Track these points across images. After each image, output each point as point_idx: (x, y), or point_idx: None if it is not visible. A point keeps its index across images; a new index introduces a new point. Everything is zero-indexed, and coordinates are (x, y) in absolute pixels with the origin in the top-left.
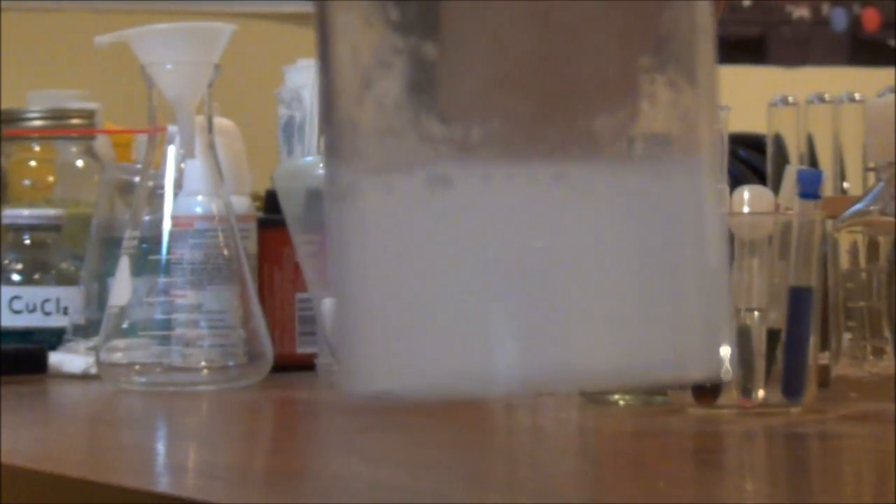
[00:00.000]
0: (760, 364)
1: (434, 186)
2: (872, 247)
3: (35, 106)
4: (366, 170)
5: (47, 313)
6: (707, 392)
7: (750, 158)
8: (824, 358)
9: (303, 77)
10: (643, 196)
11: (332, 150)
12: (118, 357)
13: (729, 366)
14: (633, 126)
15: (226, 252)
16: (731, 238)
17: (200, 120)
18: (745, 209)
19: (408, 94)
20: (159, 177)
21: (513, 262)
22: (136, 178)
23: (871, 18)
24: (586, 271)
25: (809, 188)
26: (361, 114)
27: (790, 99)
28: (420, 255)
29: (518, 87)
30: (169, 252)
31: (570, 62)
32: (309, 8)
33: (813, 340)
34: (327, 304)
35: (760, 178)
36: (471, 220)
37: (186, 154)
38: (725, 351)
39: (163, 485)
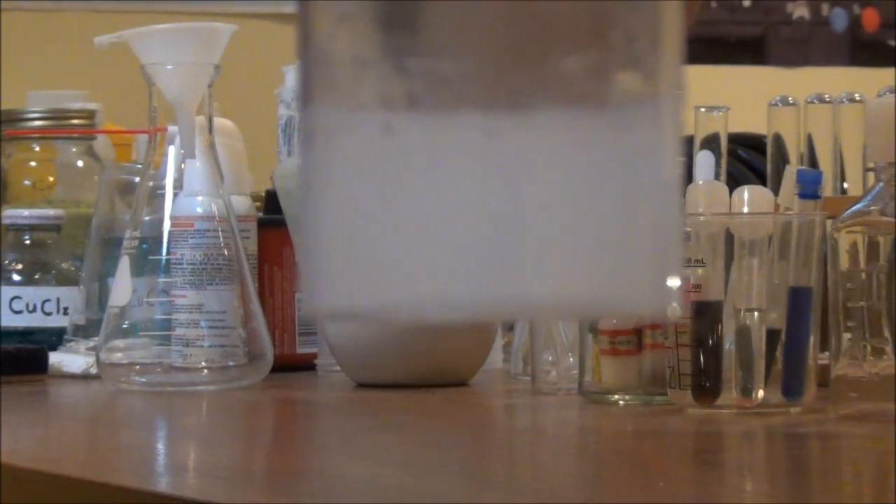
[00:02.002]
0: (760, 364)
1: (399, 124)
2: (872, 247)
3: (35, 106)
4: (336, 107)
5: (47, 313)
6: (707, 392)
7: (750, 158)
8: (824, 358)
9: None
10: (601, 138)
11: (305, 89)
12: (118, 357)
13: (676, 305)
14: (598, 71)
15: (226, 252)
16: (731, 238)
17: (200, 120)
18: (745, 209)
19: (380, 33)
20: (159, 177)
21: (473, 196)
22: (136, 178)
23: (870, 18)
24: (543, 207)
25: (809, 188)
26: (333, 53)
27: (790, 99)
28: (383, 188)
29: (488, 31)
30: (169, 252)
31: (541, 6)
32: None
33: (813, 340)
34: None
35: (760, 178)
36: (433, 156)
37: (186, 154)
38: (673, 290)
39: (163, 485)
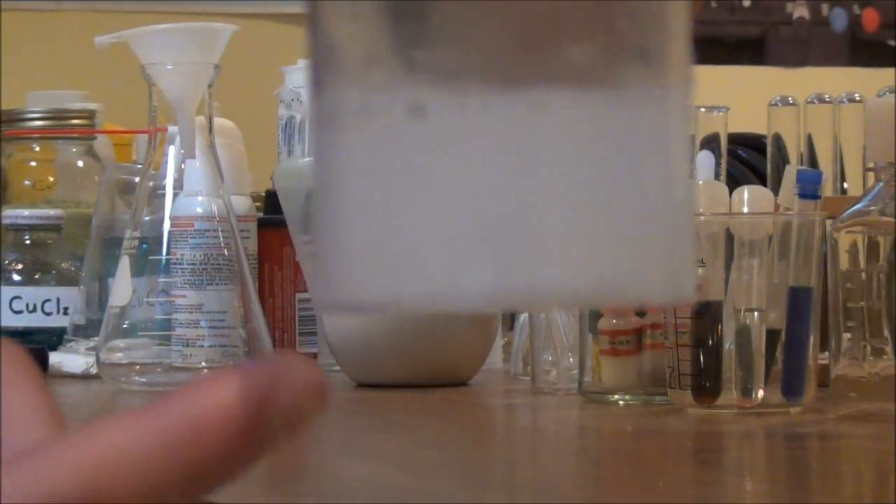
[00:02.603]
0: (760, 364)
1: (412, 112)
2: (872, 247)
3: (35, 106)
4: (345, 97)
5: (47, 313)
6: (707, 392)
7: (750, 158)
8: (824, 358)
9: (303, 77)
10: (612, 126)
11: (315, 78)
12: (118, 357)
13: (693, 291)
14: (608, 59)
15: (226, 252)
16: (731, 238)
17: (201, 120)
18: (745, 209)
19: (390, 19)
20: (159, 177)
21: (486, 186)
22: (136, 178)
23: (870, 18)
24: (557, 196)
25: (809, 188)
26: (343, 42)
27: (790, 99)
28: (397, 178)
29: (498, 15)
30: (169, 252)
31: None
32: None
33: (812, 340)
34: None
35: (760, 178)
36: (446, 145)
37: (186, 154)
38: (689, 278)
39: None
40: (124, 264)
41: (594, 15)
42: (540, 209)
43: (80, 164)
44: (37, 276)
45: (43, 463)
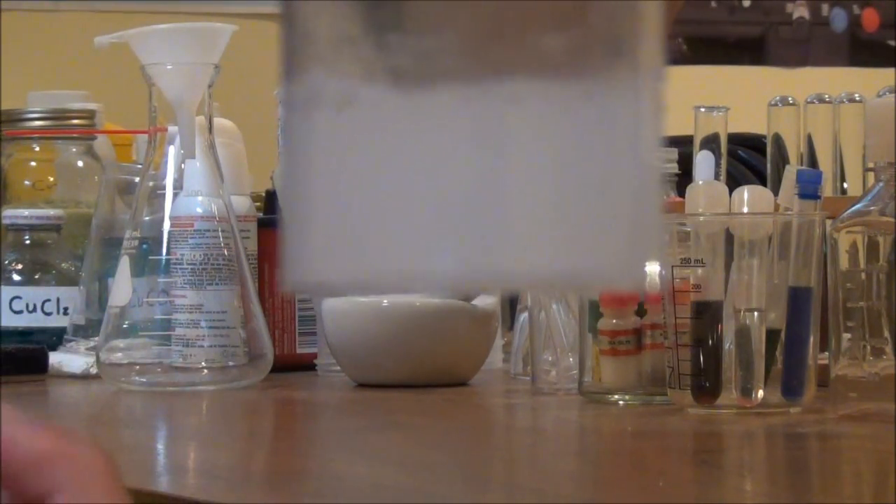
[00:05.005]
0: (760, 364)
1: (379, 98)
2: (872, 247)
3: (35, 106)
4: (316, 82)
5: (47, 313)
6: (707, 392)
7: (750, 158)
8: (824, 358)
9: None
10: (580, 114)
11: (286, 64)
12: (118, 357)
13: (652, 279)
14: (578, 48)
15: (226, 252)
16: (731, 238)
17: (201, 120)
18: (745, 209)
19: (362, 9)
20: (159, 177)
21: (453, 171)
22: (136, 178)
23: (870, 19)
24: (521, 180)
25: (809, 188)
26: (315, 28)
27: (790, 99)
28: (365, 162)
29: (473, 6)
30: (169, 252)
31: None
32: None
33: (812, 340)
34: (326, 302)
35: (760, 178)
36: (416, 130)
37: (186, 154)
38: (651, 266)
39: (163, 485)
40: (124, 264)
41: (568, 8)
42: (505, 195)
43: (80, 164)
44: (37, 276)
45: None
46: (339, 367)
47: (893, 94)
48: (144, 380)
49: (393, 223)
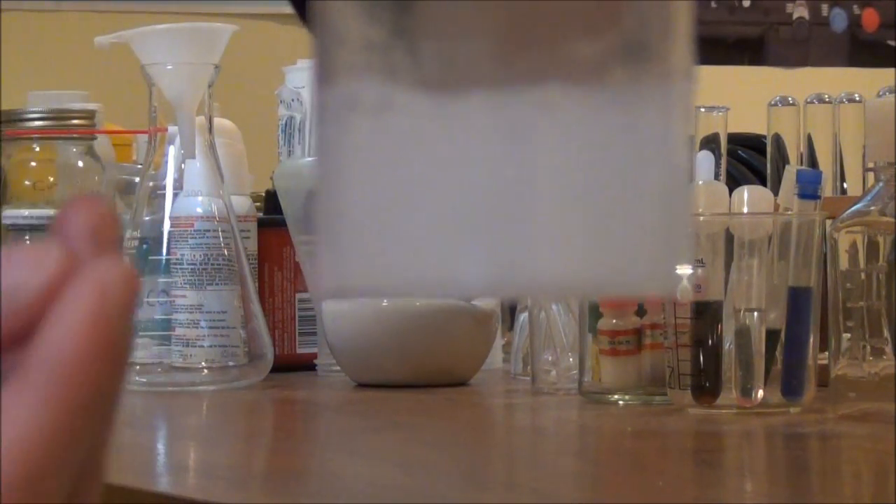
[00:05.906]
0: (760, 364)
1: (415, 103)
2: (872, 247)
3: (35, 106)
4: (352, 89)
5: None
6: (707, 392)
7: (750, 158)
8: (824, 358)
9: (303, 77)
10: (611, 120)
11: (318, 70)
12: None
13: (686, 284)
14: (610, 54)
15: (226, 252)
16: (731, 238)
17: (201, 120)
18: (745, 209)
19: (392, 15)
20: (159, 177)
21: (485, 177)
22: (136, 178)
23: (870, 18)
24: (553, 188)
25: (809, 188)
26: (346, 33)
27: (790, 99)
28: (398, 168)
29: (506, 11)
30: (169, 252)
31: None
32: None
33: (812, 340)
34: (327, 303)
35: (760, 178)
36: (447, 137)
37: (187, 154)
38: (682, 271)
39: (163, 485)
40: None
41: (600, 12)
42: (536, 202)
43: (80, 164)
44: None
45: None
46: (339, 367)
47: (893, 94)
48: (144, 380)
49: (425, 229)
